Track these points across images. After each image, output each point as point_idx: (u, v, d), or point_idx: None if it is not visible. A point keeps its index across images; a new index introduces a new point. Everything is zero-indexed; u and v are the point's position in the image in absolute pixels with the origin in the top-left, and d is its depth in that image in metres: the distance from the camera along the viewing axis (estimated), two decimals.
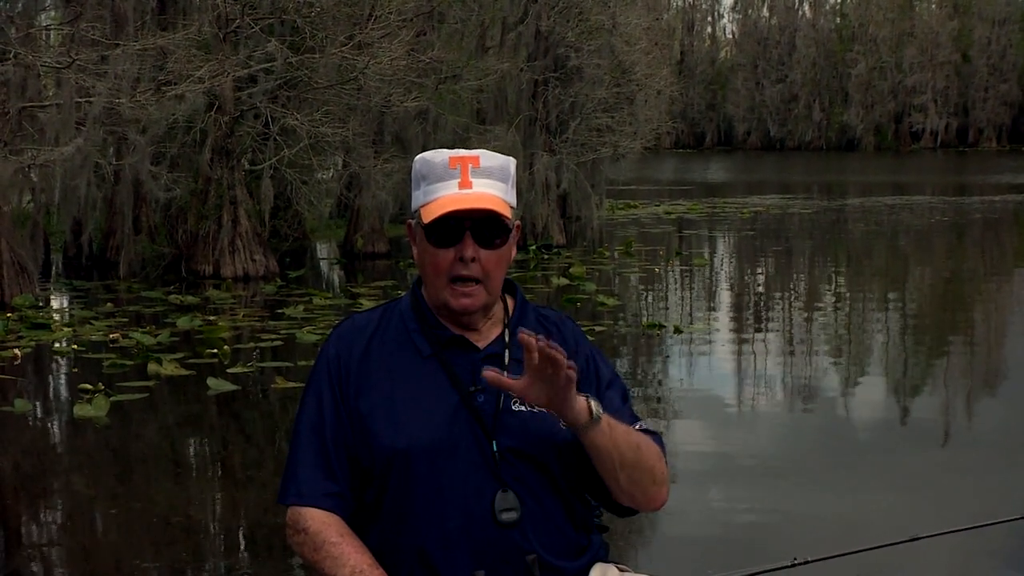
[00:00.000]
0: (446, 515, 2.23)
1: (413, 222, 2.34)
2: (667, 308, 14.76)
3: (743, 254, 22.07)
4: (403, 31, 18.10)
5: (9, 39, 14.20)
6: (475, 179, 2.27)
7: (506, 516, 2.22)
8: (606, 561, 2.40)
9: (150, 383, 9.63)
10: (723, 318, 13.69)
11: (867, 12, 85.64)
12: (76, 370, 10.36)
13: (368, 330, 2.37)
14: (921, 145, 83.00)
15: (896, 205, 32.92)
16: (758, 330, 12.86)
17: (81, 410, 8.62)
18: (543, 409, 2.15)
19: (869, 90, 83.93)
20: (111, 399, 8.87)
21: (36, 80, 14.80)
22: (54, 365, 11.23)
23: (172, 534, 6.14)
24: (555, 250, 20.81)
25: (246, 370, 10.24)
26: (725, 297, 16.15)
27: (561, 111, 22.82)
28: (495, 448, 2.24)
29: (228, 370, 10.07)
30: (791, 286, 17.56)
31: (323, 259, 21.33)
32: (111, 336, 11.63)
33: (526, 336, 2.03)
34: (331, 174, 20.86)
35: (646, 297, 16.15)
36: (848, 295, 16.13)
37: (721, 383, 9.94)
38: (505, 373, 2.21)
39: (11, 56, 13.95)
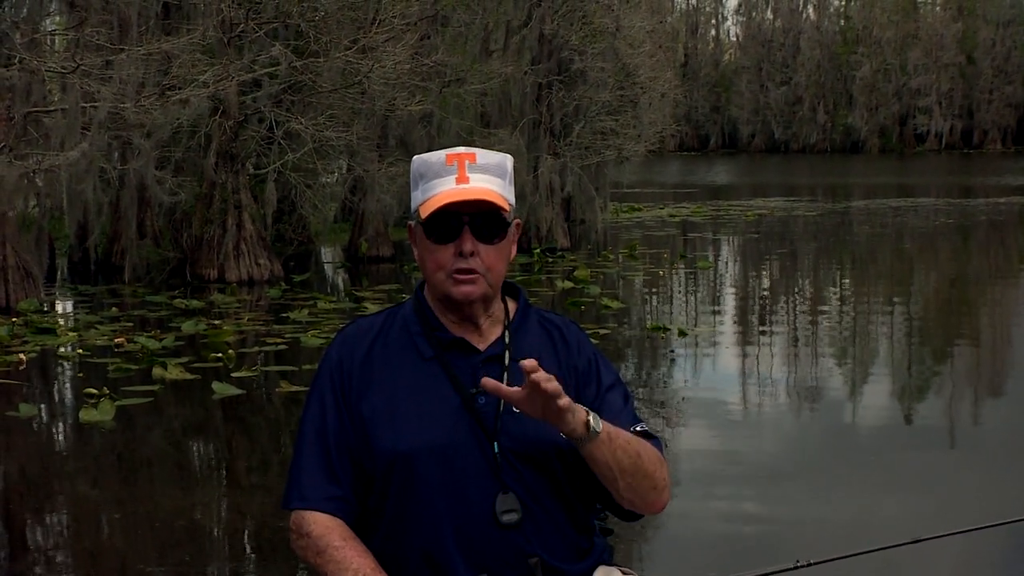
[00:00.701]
0: (448, 517, 2.23)
1: (413, 223, 2.34)
2: (671, 311, 14.76)
3: (747, 257, 22.05)
4: (407, 35, 18.12)
5: (14, 44, 14.24)
6: (472, 174, 2.26)
7: (507, 517, 2.22)
8: (610, 564, 2.39)
9: (155, 387, 9.65)
10: (727, 321, 13.69)
11: (871, 14, 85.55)
12: (81, 374, 10.38)
13: (371, 334, 2.37)
14: (926, 147, 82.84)
15: (901, 207, 32.89)
16: (762, 333, 12.85)
17: (86, 414, 8.64)
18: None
19: (873, 92, 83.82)
20: (116, 403, 8.89)
21: (41, 85, 14.83)
22: (59, 370, 11.25)
23: (177, 538, 6.15)
24: (559, 253, 20.82)
25: (251, 374, 10.26)
26: (729, 300, 16.14)
27: (565, 114, 22.83)
28: (496, 450, 2.24)
29: (233, 374, 10.08)
30: (795, 289, 17.54)
31: (327, 263, 21.34)
32: (116, 340, 11.65)
33: (528, 364, 2.04)
34: (335, 178, 20.88)
35: (650, 300, 16.14)
36: (853, 298, 16.12)
37: (725, 386, 9.94)
38: (504, 375, 2.21)
39: (16, 61, 13.98)
